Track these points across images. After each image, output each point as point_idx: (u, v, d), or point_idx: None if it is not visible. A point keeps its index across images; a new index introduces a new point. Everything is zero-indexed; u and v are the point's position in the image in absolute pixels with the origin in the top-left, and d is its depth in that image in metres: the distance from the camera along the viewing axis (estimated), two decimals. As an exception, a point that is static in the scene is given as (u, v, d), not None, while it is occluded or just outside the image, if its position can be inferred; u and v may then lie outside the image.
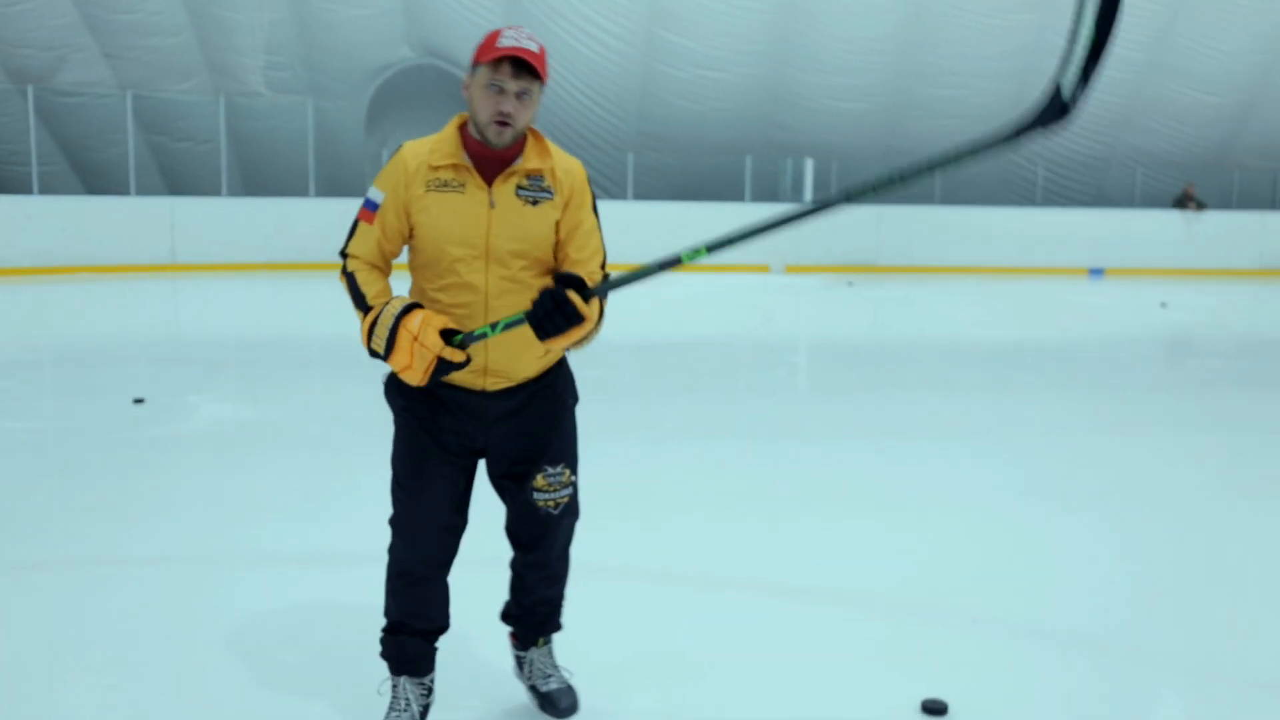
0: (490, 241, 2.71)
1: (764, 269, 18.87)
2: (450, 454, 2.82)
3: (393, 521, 2.87)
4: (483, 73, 2.63)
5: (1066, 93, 2.30)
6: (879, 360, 10.56)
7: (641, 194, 20.23)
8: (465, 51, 17.63)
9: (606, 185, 20.83)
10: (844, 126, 21.00)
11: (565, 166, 2.80)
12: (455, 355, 2.57)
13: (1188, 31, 20.34)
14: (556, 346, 2.66)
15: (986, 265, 19.33)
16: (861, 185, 2.53)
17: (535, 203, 2.73)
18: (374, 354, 2.65)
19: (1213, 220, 20.19)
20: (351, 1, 19.15)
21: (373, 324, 2.64)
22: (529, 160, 2.74)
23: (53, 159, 19.52)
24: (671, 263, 2.62)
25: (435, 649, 2.94)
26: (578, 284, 2.53)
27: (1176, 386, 9.81)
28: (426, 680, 2.92)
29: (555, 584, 3.06)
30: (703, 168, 20.65)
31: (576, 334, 2.58)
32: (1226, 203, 21.85)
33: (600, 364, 9.85)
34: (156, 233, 17.27)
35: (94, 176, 20.25)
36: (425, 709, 2.90)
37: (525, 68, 2.61)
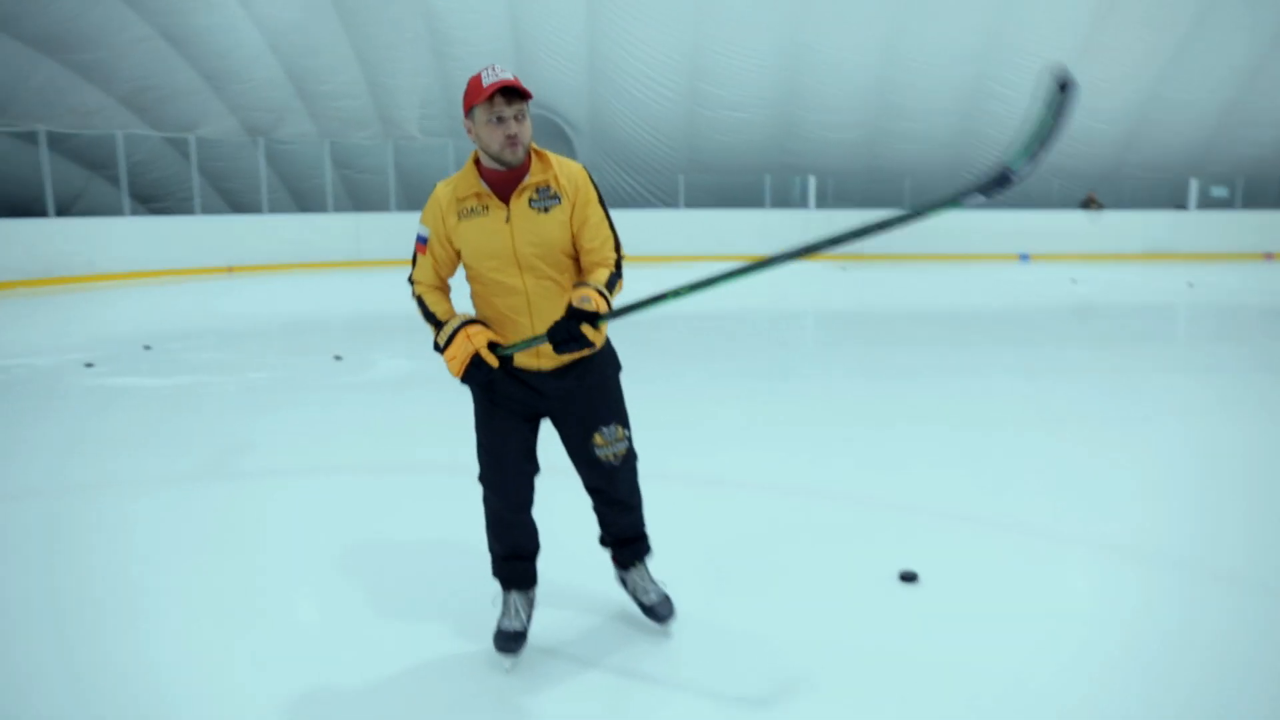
0: (516, 250, 2.49)
1: (779, 257, 18.77)
2: (516, 416, 2.63)
3: (481, 477, 2.68)
4: (481, 111, 2.39)
5: (1015, 169, 1.99)
6: (866, 324, 10.55)
7: (690, 204, 20.20)
8: (561, 102, 17.66)
9: (664, 198, 20.79)
10: (837, 152, 20.77)
11: (566, 172, 2.53)
12: (490, 359, 2.49)
13: (1090, 74, 19.73)
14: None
15: (942, 253, 19.03)
16: (818, 241, 2.32)
17: (547, 210, 2.48)
18: (437, 348, 2.55)
19: (1109, 217, 19.67)
20: (476, 68, 19.10)
21: (445, 331, 2.52)
22: (535, 175, 2.48)
23: (276, 188, 19.92)
24: (661, 298, 2.43)
25: (535, 567, 2.78)
26: (590, 317, 2.39)
27: (1083, 339, 9.68)
28: (530, 593, 2.76)
29: (631, 513, 2.81)
30: (734, 184, 20.54)
31: (586, 351, 2.49)
32: (1120, 204, 21.24)
33: (662, 327, 9.96)
34: (345, 238, 17.59)
35: (304, 199, 20.64)
36: (530, 614, 2.74)
37: (514, 93, 2.38)
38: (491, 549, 2.76)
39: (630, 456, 2.74)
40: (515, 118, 2.39)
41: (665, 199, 20.73)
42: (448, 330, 2.51)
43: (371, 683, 2.60)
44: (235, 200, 20.37)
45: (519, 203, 2.48)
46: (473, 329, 2.50)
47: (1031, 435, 5.32)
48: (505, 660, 2.66)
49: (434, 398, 6.39)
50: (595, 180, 2.59)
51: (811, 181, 19.65)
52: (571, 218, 2.51)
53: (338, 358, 7.67)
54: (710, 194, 20.51)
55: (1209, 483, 4.48)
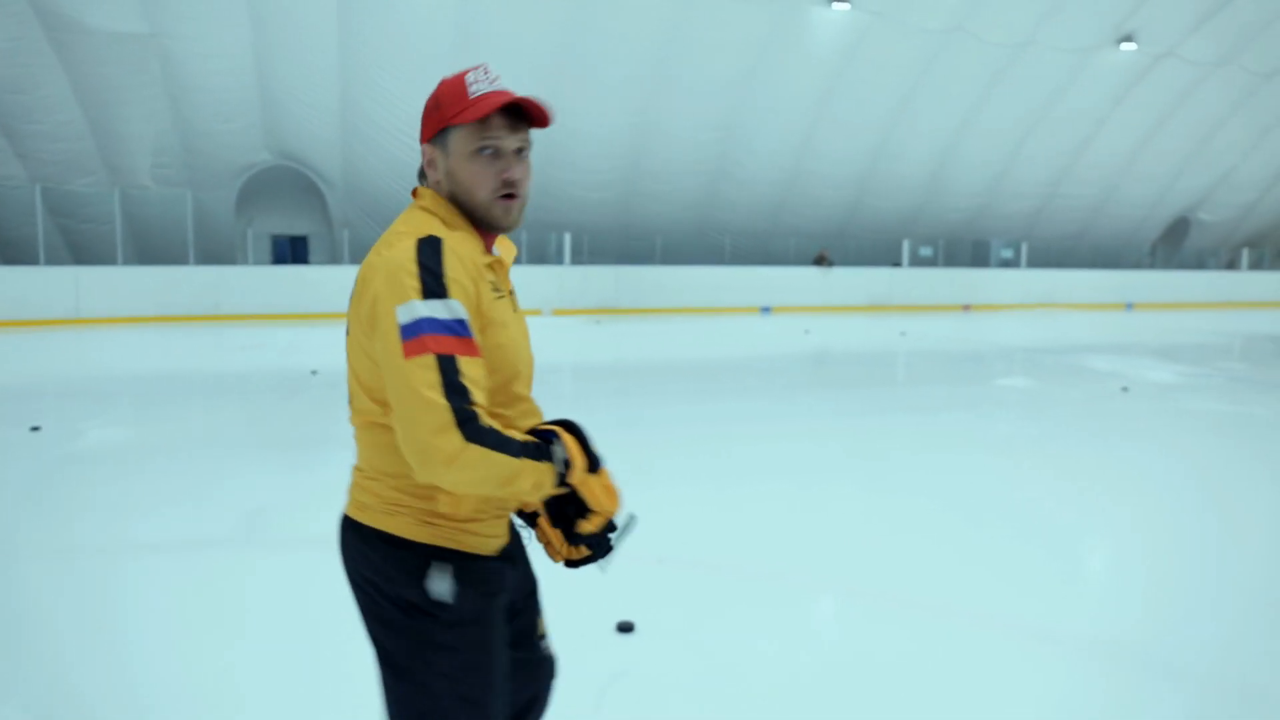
0: (528, 349, 1.68)
1: (538, 312, 18.94)
2: (502, 625, 1.62)
3: None
4: (464, 136, 1.51)
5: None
6: (621, 376, 10.80)
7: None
8: (312, 155, 16.99)
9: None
10: (591, 210, 21.44)
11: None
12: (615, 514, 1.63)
13: (819, 147, 21.77)
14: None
15: (692, 306, 20.00)
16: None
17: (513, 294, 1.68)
18: (566, 469, 1.53)
19: (839, 274, 21.54)
20: (221, 116, 18.11)
21: (572, 448, 1.55)
22: (503, 242, 1.66)
23: (-27, 237, 17.61)
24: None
25: None
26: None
27: (817, 384, 10.44)
28: None
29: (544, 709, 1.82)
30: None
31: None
32: (848, 261, 23.40)
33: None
34: (62, 294, 15.81)
35: (13, 250, 18.34)
36: None
37: (520, 115, 1.53)
38: None
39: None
40: (517, 153, 1.54)
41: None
42: (579, 451, 1.56)
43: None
44: (-80, 250, 17.82)
45: (505, 278, 1.63)
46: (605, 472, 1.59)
47: (767, 482, 5.64)
48: None
49: (157, 467, 5.84)
50: None
51: (567, 238, 20.09)
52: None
53: (35, 429, 6.82)
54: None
55: (929, 512, 4.94)
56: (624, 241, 22.13)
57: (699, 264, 21.57)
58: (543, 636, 1.77)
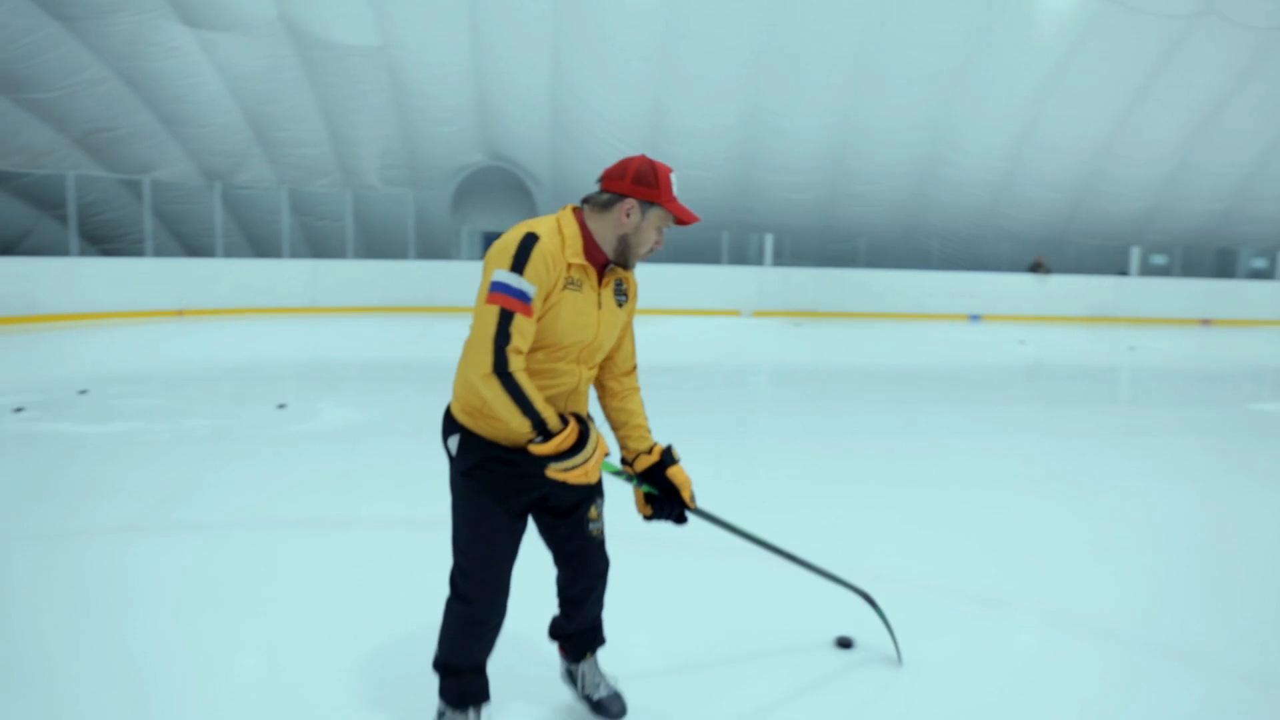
0: (599, 338, 2.29)
1: (736, 313, 18.85)
2: (512, 513, 2.30)
3: (465, 589, 2.33)
4: (660, 215, 2.26)
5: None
6: (819, 380, 10.54)
7: (649, 260, 20.25)
8: (523, 156, 17.70)
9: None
10: (794, 211, 21.06)
11: (630, 278, 2.43)
12: (626, 470, 2.46)
13: (1038, 145, 20.37)
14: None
15: (896, 311, 19.30)
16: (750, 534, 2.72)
17: (620, 304, 2.35)
18: (559, 456, 2.16)
19: (1056, 281, 20.13)
20: (440, 120, 19.24)
21: (578, 443, 2.17)
22: (617, 268, 2.34)
23: (232, 233, 19.64)
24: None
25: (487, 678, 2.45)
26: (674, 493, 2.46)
27: (1029, 399, 9.78)
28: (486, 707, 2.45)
29: (600, 604, 2.57)
30: (692, 240, 20.69)
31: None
32: (1066, 268, 21.76)
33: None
34: (301, 284, 17.35)
35: (260, 245, 20.37)
36: None
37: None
38: (452, 667, 2.37)
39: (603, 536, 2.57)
40: (657, 236, 2.33)
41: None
42: (576, 436, 2.17)
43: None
44: (190, 244, 20.04)
45: (607, 290, 2.31)
46: (603, 443, 2.26)
47: (979, 494, 5.30)
48: None
49: (379, 448, 6.23)
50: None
51: (768, 239, 19.87)
52: (625, 324, 2.44)
53: (281, 406, 7.46)
54: (668, 250, 20.57)
55: (1154, 547, 4.47)
56: (826, 243, 21.64)
57: (904, 268, 20.75)
58: (594, 519, 2.45)
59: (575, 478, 2.18)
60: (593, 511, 2.45)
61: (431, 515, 4.58)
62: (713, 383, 10.17)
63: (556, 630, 2.62)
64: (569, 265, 2.20)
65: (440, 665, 2.38)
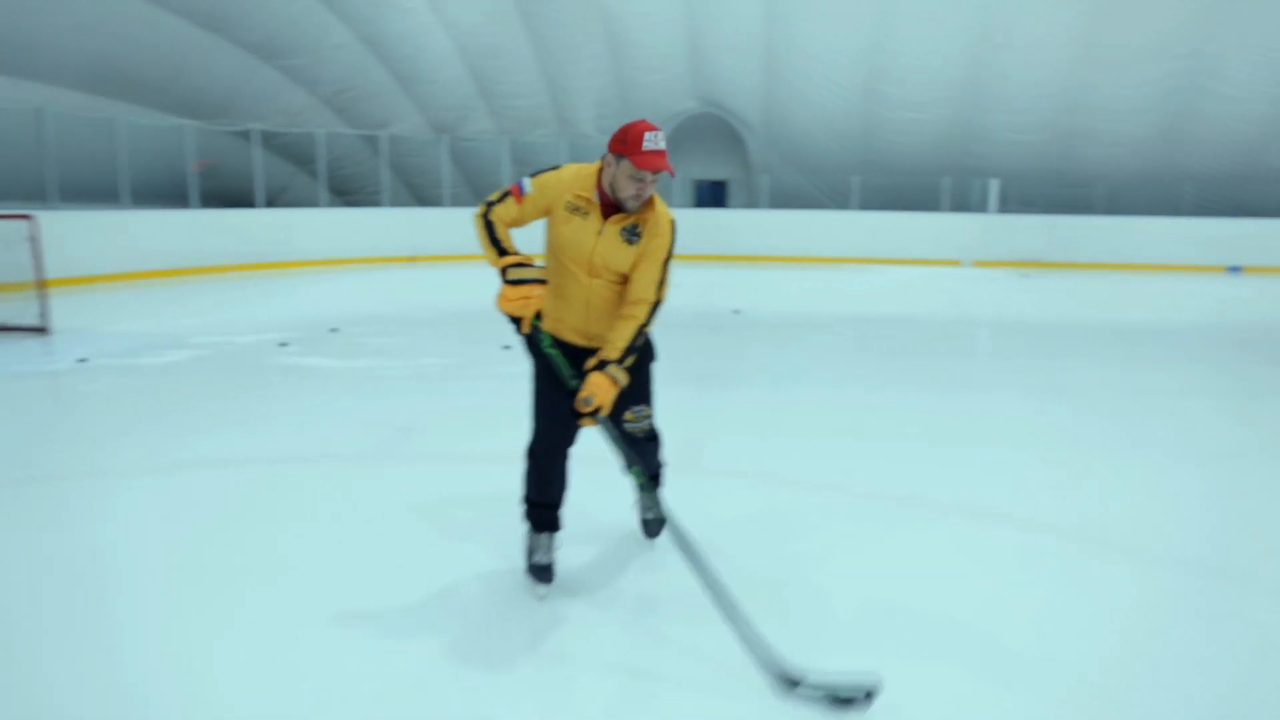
0: (592, 258, 2.90)
1: (956, 263, 17.91)
2: (561, 388, 2.96)
3: (531, 441, 3.09)
4: (628, 165, 2.73)
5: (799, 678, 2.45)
6: (1045, 334, 9.84)
7: (864, 206, 19.60)
8: (735, 102, 17.51)
9: (837, 200, 20.28)
10: (1022, 154, 19.58)
11: (655, 223, 2.90)
12: (525, 327, 2.94)
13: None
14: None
15: (1138, 263, 17.64)
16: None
17: (630, 242, 2.88)
18: (502, 274, 2.87)
19: (1342, 227, 17.58)
20: (653, 69, 19.35)
21: (518, 264, 2.85)
22: (642, 215, 2.88)
23: (458, 183, 20.81)
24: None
25: (560, 515, 3.17)
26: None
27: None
28: (556, 536, 3.19)
29: (655, 463, 3.35)
30: (910, 186, 19.76)
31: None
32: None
33: (827, 331, 9.68)
34: (521, 231, 18.09)
35: (483, 194, 21.48)
36: (554, 554, 3.17)
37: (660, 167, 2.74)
38: (528, 497, 3.13)
39: (653, 435, 3.26)
40: (653, 182, 2.79)
41: (838, 200, 20.24)
42: (519, 273, 2.85)
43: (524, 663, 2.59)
44: (420, 194, 21.44)
45: (613, 226, 2.88)
46: (536, 293, 2.86)
47: (1248, 471, 4.78)
48: (539, 588, 3.11)
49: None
50: (676, 237, 2.95)
51: (994, 185, 18.65)
52: (638, 259, 2.91)
53: (506, 347, 7.87)
54: (885, 196, 19.83)
55: None
56: (1057, 189, 19.99)
57: (1150, 214, 18.88)
58: (630, 421, 3.10)
59: (502, 303, 2.86)
60: (628, 414, 3.09)
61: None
62: (929, 334, 9.73)
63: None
64: (576, 195, 2.87)
65: (525, 500, 3.15)
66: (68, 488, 4.21)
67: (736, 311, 10.49)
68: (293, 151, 19.68)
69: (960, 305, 12.26)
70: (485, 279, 14.22)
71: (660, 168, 2.71)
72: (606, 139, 20.88)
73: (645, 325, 2.91)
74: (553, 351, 2.94)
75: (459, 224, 17.90)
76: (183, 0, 15.73)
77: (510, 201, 2.92)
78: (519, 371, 6.95)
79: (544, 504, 3.12)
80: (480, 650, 2.72)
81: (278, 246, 15.61)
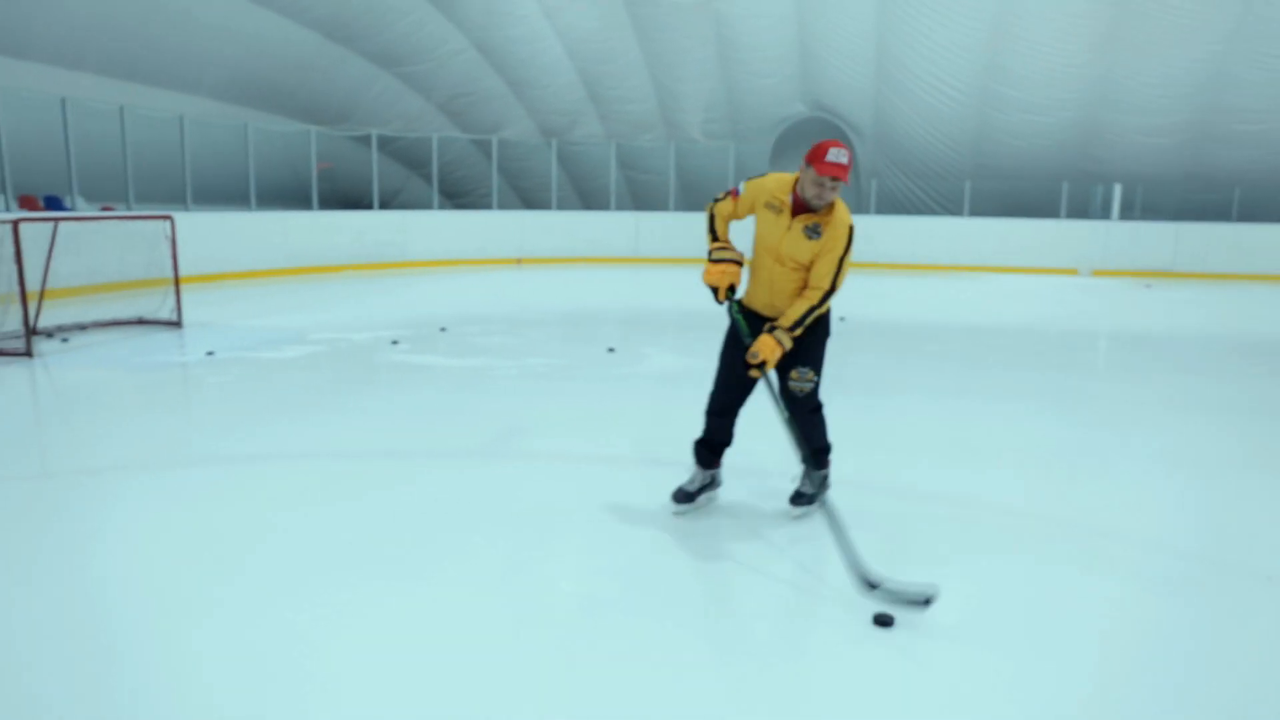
0: (779, 249, 3.61)
1: (1073, 272, 17.17)
2: (740, 352, 3.68)
3: (710, 394, 3.90)
4: (812, 172, 3.40)
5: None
6: (1171, 350, 9.31)
7: (976, 212, 18.95)
8: (844, 105, 17.22)
9: (948, 205, 19.69)
10: (1150, 158, 18.56)
11: (835, 223, 3.52)
12: (720, 296, 3.73)
13: None
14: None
15: (1276, 273, 16.54)
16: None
17: (811, 238, 3.54)
18: (710, 254, 3.70)
19: None
20: (762, 73, 19.20)
21: (721, 248, 3.69)
22: (819, 215, 3.53)
23: (565, 187, 21.13)
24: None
25: (720, 459, 3.95)
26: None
27: None
28: (709, 474, 3.95)
29: (808, 439, 3.70)
30: (1025, 191, 19.04)
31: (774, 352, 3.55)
32: None
33: (937, 340, 9.42)
34: (625, 235, 18.27)
35: (589, 198, 21.74)
36: (702, 487, 3.92)
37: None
38: (701, 440, 3.93)
39: (813, 397, 3.77)
40: (833, 189, 3.42)
41: (949, 206, 19.65)
42: (722, 254, 3.70)
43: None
44: (527, 197, 21.84)
45: (799, 223, 3.57)
46: (733, 270, 3.69)
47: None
48: (676, 507, 3.87)
49: (701, 393, 6.40)
50: (854, 238, 3.55)
51: (1116, 190, 17.80)
52: (817, 253, 3.54)
53: (611, 350, 7.92)
54: (998, 202, 19.16)
55: None
56: (1188, 194, 18.90)
57: (1290, 222, 17.72)
58: (794, 380, 3.67)
59: (705, 276, 3.72)
60: (793, 373, 3.68)
61: (742, 461, 4.64)
62: (1046, 346, 9.35)
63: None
64: (774, 196, 3.59)
65: (695, 440, 3.96)
66: (177, 475, 4.44)
67: (842, 319, 10.31)
68: (408, 156, 20.34)
69: (1079, 316, 11.74)
70: (590, 280, 14.38)
71: (837, 175, 3.35)
72: (713, 143, 20.85)
73: (817, 307, 3.56)
74: (737, 316, 3.70)
75: (566, 226, 18.28)
76: (313, 12, 16.45)
77: (729, 200, 3.73)
78: (623, 374, 7.06)
79: (705, 441, 3.91)
80: (559, 651, 2.73)
81: (393, 247, 16.15)
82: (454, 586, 3.17)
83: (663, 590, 3.15)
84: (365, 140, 17.85)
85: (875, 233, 18.13)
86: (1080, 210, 18.82)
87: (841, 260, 3.50)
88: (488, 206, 19.61)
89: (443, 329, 9.09)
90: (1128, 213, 18.43)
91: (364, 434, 5.22)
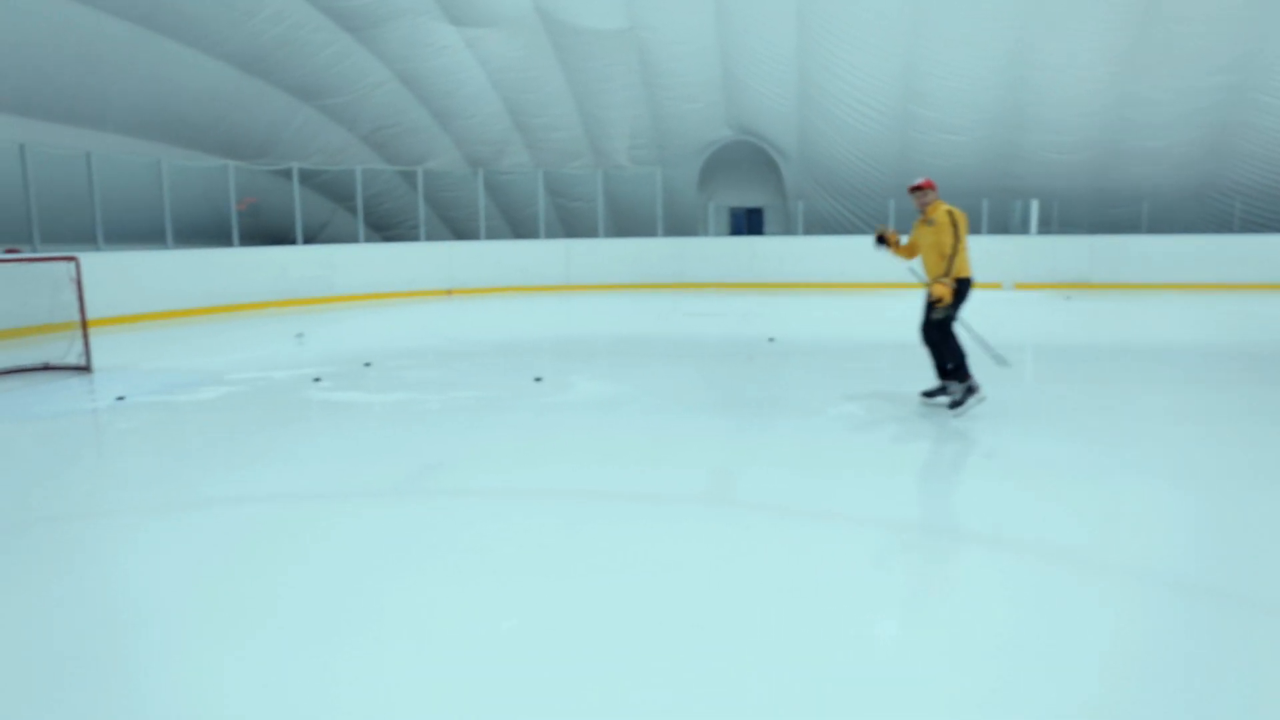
0: (917, 239, 6.44)
1: (998, 286, 17.57)
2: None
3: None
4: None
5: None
6: (1093, 359, 9.54)
7: (901, 229, 19.27)
8: (769, 129, 17.45)
9: (873, 224, 20.04)
10: (1063, 174, 19.26)
11: (939, 215, 6.19)
12: (892, 240, 6.74)
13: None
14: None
15: (1187, 282, 17.17)
16: None
17: (927, 226, 6.27)
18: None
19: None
20: (686, 99, 19.39)
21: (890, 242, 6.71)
22: (928, 213, 6.29)
23: (494, 216, 20.97)
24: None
25: (938, 375, 6.60)
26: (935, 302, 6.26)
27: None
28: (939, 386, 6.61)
29: (942, 357, 6.40)
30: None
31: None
32: None
33: (863, 358, 9.47)
34: (556, 263, 18.17)
35: (519, 227, 21.60)
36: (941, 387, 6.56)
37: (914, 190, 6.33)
38: (961, 371, 6.39)
39: (945, 323, 6.28)
40: (919, 200, 6.31)
41: (874, 225, 20.02)
42: (878, 236, 6.76)
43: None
44: (457, 228, 21.63)
45: (921, 221, 6.38)
46: (896, 237, 6.75)
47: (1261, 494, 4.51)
48: (951, 411, 6.30)
49: (630, 421, 6.31)
50: (955, 218, 6.12)
51: (1034, 206, 18.33)
52: (936, 234, 6.19)
53: (538, 379, 7.78)
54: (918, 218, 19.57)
55: None
56: (1100, 208, 19.60)
57: (1197, 233, 18.42)
58: (936, 311, 6.31)
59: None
60: (937, 307, 6.18)
61: (677, 491, 4.54)
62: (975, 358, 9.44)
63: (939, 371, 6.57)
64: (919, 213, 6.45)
65: (955, 370, 6.34)
66: (92, 526, 4.18)
67: (771, 339, 10.33)
68: (333, 189, 19.99)
69: (1002, 329, 11.96)
70: (521, 309, 14.20)
71: (912, 191, 6.35)
72: (640, 168, 20.93)
73: (949, 262, 6.07)
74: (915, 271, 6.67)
75: (496, 256, 18.12)
76: (226, 45, 16.11)
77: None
78: (551, 403, 6.94)
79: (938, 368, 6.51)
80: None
81: (319, 282, 15.79)
82: (394, 630, 2.99)
83: (603, 624, 3.02)
84: (287, 174, 17.49)
85: (802, 253, 18.37)
86: (1001, 226, 19.34)
87: (953, 231, 6.07)
88: (416, 238, 19.35)
89: (367, 364, 8.85)
90: (1045, 227, 19.00)
91: (269, 476, 4.99)
